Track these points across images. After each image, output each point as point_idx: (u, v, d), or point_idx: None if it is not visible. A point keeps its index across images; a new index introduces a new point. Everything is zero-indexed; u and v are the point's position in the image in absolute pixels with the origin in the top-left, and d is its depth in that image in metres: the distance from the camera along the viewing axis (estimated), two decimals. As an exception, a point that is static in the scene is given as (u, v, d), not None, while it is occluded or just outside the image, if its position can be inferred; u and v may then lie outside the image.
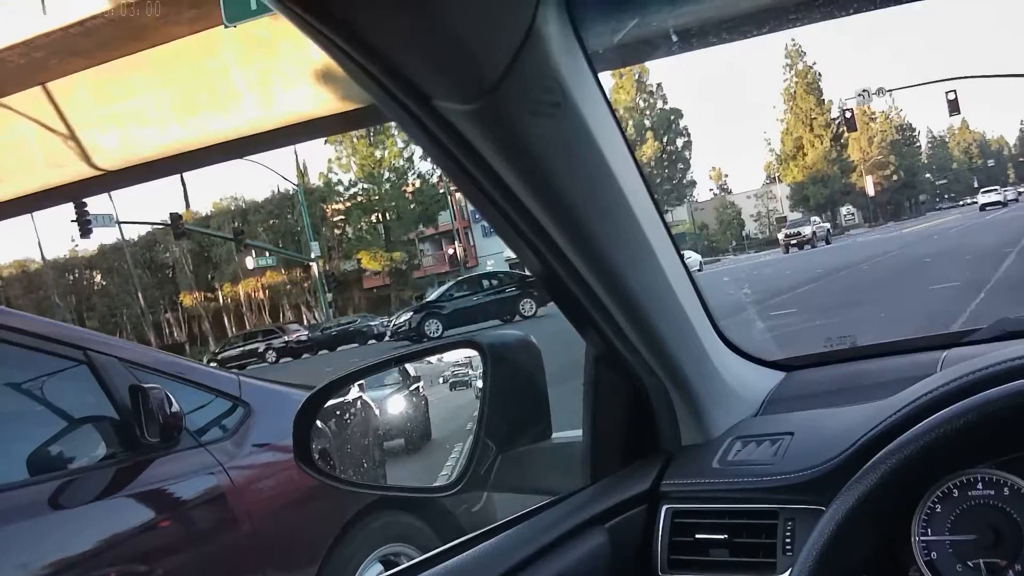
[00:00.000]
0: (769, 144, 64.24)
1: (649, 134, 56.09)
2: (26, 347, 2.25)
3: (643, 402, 1.13)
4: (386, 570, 2.84)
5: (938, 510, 0.89)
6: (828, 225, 43.95)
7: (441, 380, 1.49)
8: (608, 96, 0.89)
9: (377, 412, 1.61)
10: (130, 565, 2.25)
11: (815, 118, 58.62)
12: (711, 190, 67.85)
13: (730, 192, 66.74)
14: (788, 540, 0.97)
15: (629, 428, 1.16)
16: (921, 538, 0.89)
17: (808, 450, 1.01)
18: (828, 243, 38.91)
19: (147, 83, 23.90)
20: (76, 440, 2.27)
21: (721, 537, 1.02)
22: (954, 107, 28.70)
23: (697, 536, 1.04)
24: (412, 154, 48.72)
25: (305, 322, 47.05)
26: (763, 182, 64.69)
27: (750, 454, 1.07)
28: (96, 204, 29.85)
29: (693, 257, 38.30)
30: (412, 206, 49.11)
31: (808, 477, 0.97)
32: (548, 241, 0.90)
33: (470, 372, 1.40)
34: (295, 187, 43.24)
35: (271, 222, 49.89)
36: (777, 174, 62.07)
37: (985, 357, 0.93)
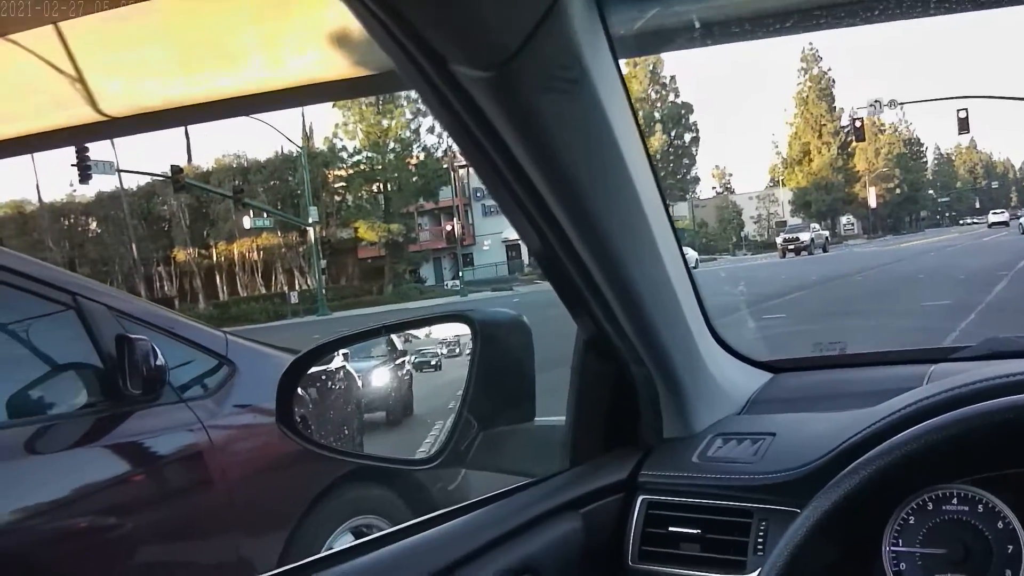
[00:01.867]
0: (776, 147, 64.20)
1: (658, 126, 55.90)
2: (15, 287, 2.23)
3: (628, 391, 1.12)
4: (356, 540, 2.84)
5: (911, 522, 0.90)
6: (827, 233, 44.13)
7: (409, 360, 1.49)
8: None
9: (360, 384, 1.60)
10: (101, 516, 2.24)
11: (824, 125, 58.62)
12: (714, 188, 67.81)
13: (732, 192, 66.69)
14: (760, 540, 0.97)
15: (611, 416, 1.16)
16: (891, 548, 0.90)
17: (788, 452, 1.01)
18: (825, 251, 39.06)
19: (156, 33, 23.72)
20: (58, 385, 2.26)
21: (694, 532, 1.03)
22: (964, 126, 28.69)
23: (671, 529, 1.05)
24: (419, 127, 48.54)
25: (297, 287, 47.00)
26: (766, 184, 64.75)
27: (730, 451, 1.07)
28: (98, 150, 29.69)
29: (690, 254, 37.81)
30: (414, 179, 48.96)
31: (786, 479, 0.98)
32: (551, 219, 0.90)
33: (441, 353, 1.40)
34: (299, 149, 43.01)
35: (272, 183, 49.62)
36: (781, 178, 62.10)
37: (970, 373, 0.93)
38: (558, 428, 1.18)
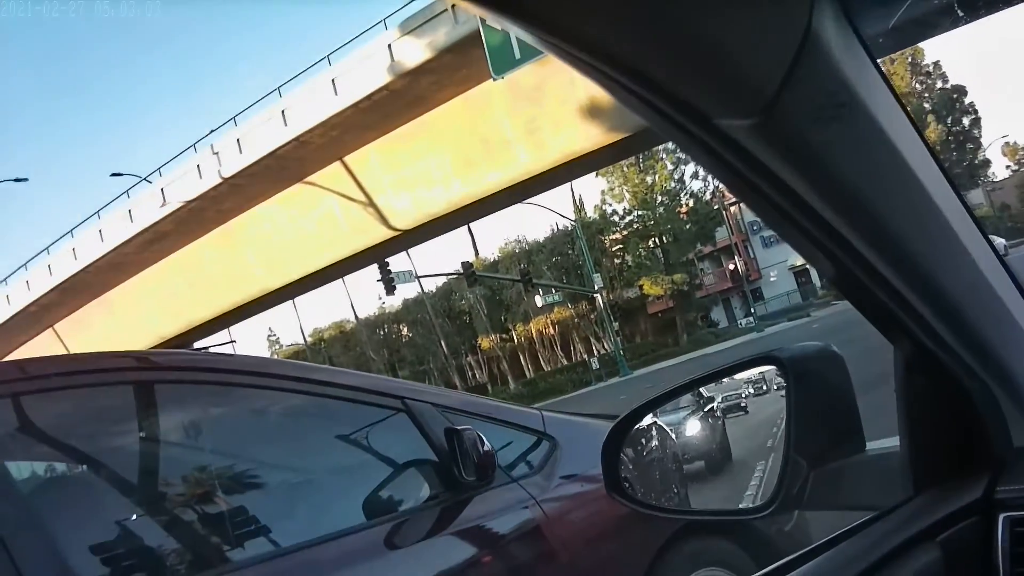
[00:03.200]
0: (1070, 107, 56.90)
1: (931, 118, 51.78)
2: (354, 401, 2.48)
3: (964, 404, 1.03)
4: (704, 594, 2.80)
5: None
6: None
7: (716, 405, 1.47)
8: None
9: (674, 436, 1.60)
10: (462, 599, 2.38)
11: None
12: (1008, 167, 61.16)
13: (1033, 165, 59.83)
14: None
15: (951, 433, 1.06)
16: None
17: None
18: None
19: (429, 145, 25.73)
20: (403, 484, 2.45)
21: None
22: None
23: None
24: (683, 174, 48.44)
25: (596, 353, 47.87)
26: (1069, 150, 57.44)
27: None
28: (396, 262, 32.38)
29: (997, 241, 34.86)
30: (688, 226, 48.68)
31: None
32: (845, 245, 0.85)
33: (749, 392, 1.37)
34: (573, 223, 44.35)
35: (554, 259, 51.43)
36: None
37: None
38: (894, 455, 1.11)
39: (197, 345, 36.24)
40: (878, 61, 0.80)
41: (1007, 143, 59.79)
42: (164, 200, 30.11)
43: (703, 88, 0.68)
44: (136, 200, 32.21)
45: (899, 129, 0.81)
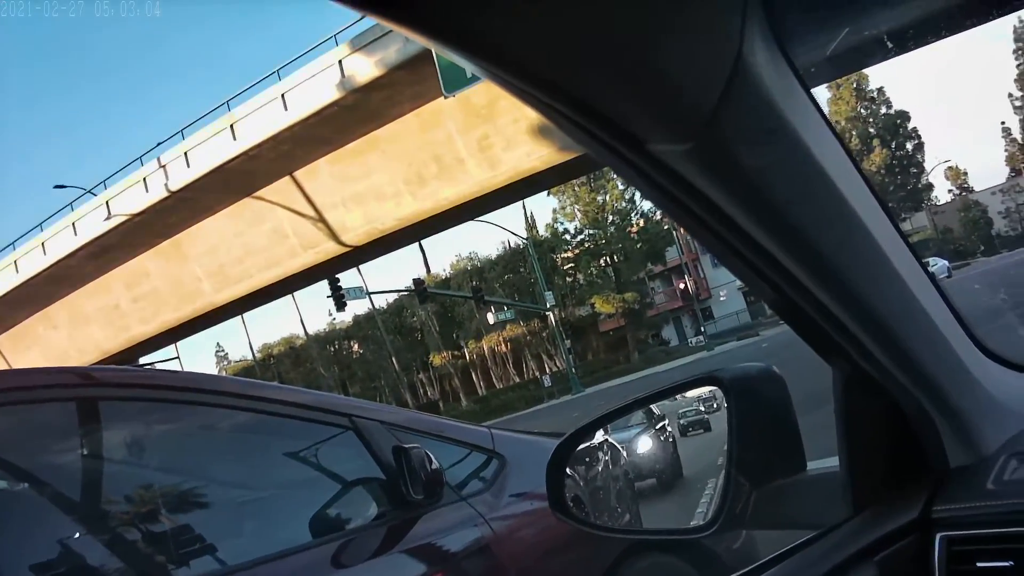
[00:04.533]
0: (1009, 134, 58.74)
1: (876, 142, 53.02)
2: (300, 419, 2.46)
3: (902, 424, 1.05)
4: (653, 614, 2.81)
5: None
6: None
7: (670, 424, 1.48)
8: (826, 111, 0.86)
9: (625, 454, 1.61)
10: (408, 618, 2.36)
11: (1056, 100, 53.11)
12: (950, 191, 62.84)
13: (972, 191, 61.47)
14: None
15: (889, 453, 1.09)
16: None
17: None
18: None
19: (381, 161, 25.64)
20: (351, 502, 2.43)
21: (1006, 564, 0.93)
22: None
23: (979, 564, 0.95)
24: (634, 195, 48.85)
25: (548, 370, 47.96)
26: (1007, 176, 59.12)
27: None
28: (347, 278, 32.11)
29: (939, 264, 35.91)
30: (639, 245, 49.17)
31: None
32: (780, 269, 0.87)
33: (701, 409, 1.38)
34: (525, 240, 44.48)
35: (506, 277, 51.55)
36: (1022, 165, 56.62)
37: None
38: (834, 475, 1.13)
39: (142, 361, 35.60)
40: (821, 87, 0.82)
41: (949, 167, 61.41)
42: (109, 213, 29.54)
43: (636, 114, 0.69)
44: (80, 212, 31.57)
45: (830, 154, 0.83)
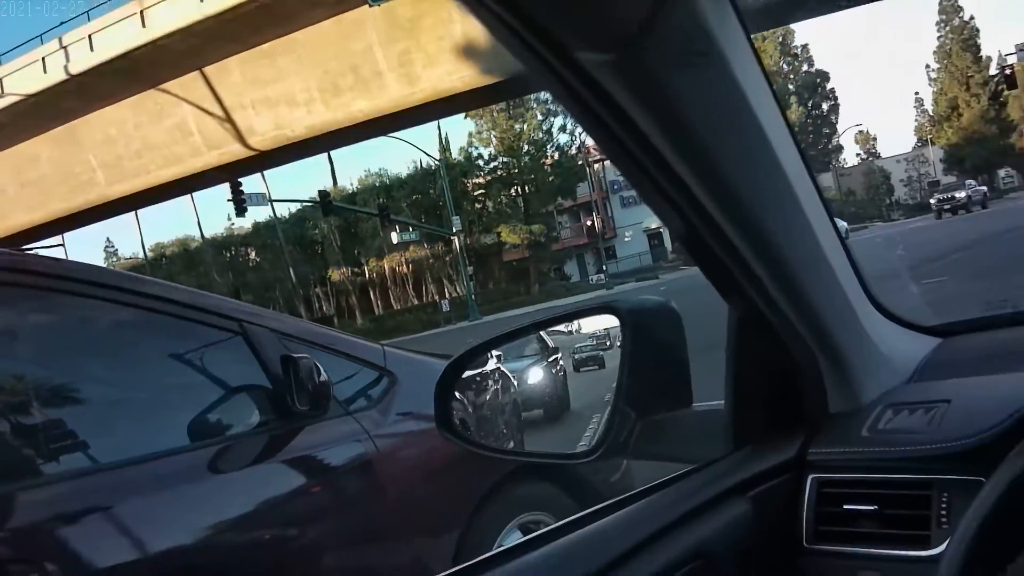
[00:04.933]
0: (921, 105, 60.85)
1: (793, 99, 54.22)
2: (187, 319, 2.37)
3: (788, 367, 1.08)
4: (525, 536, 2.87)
5: None
6: (984, 189, 41.46)
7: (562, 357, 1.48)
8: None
9: (516, 383, 1.61)
10: (283, 528, 2.35)
11: (971, 76, 54.98)
12: (858, 155, 65.04)
13: (879, 157, 63.71)
14: (944, 512, 0.91)
15: (773, 394, 1.11)
16: None
17: (966, 418, 0.94)
18: (985, 207, 36.76)
19: (296, 66, 24.86)
20: (232, 408, 2.38)
21: (871, 508, 0.97)
22: None
23: (845, 507, 1.00)
24: (551, 127, 48.85)
25: (448, 295, 48.11)
26: (914, 145, 61.49)
27: (902, 422, 1.00)
28: (250, 183, 31.24)
29: (840, 224, 37.07)
30: (551, 178, 49.32)
31: (966, 446, 0.91)
32: (692, 200, 0.87)
33: (595, 344, 1.38)
34: (437, 162, 44.06)
35: (414, 197, 51.07)
36: (930, 137, 58.85)
37: None
38: (718, 412, 1.15)
39: (25, 248, 34.14)
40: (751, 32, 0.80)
41: (860, 131, 63.36)
42: (2, 91, 27.92)
43: (565, 17, 0.67)
44: (-31, 87, 29.74)
45: (756, 90, 0.82)
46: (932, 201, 40.29)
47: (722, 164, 0.84)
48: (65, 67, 26.63)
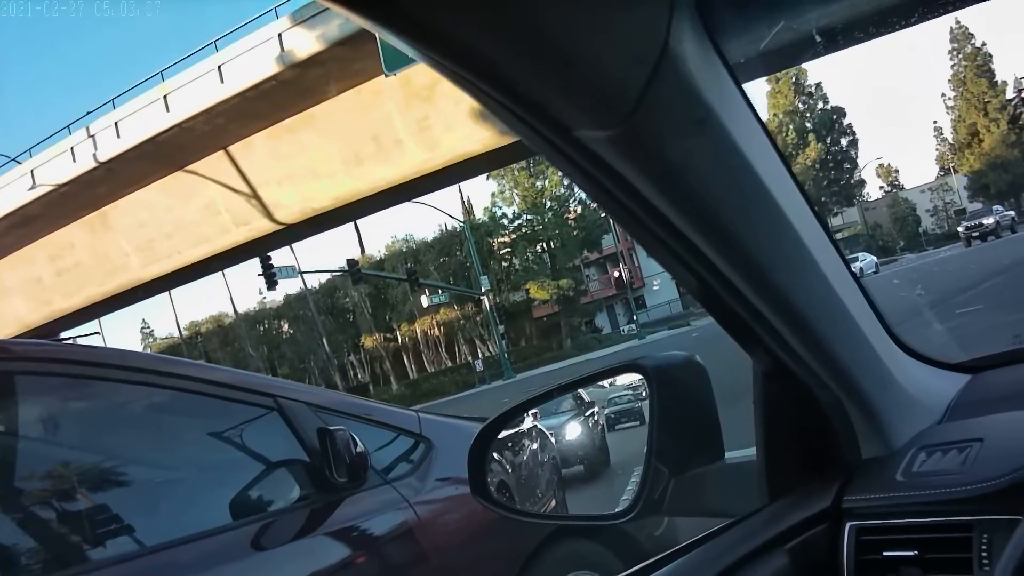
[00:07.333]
0: (941, 134, 60.45)
1: (812, 136, 54.10)
2: (224, 398, 2.41)
3: (817, 416, 1.08)
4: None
5: None
6: (1012, 213, 40.89)
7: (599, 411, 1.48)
8: (756, 106, 0.86)
9: (553, 440, 1.61)
10: (329, 601, 2.34)
11: (989, 101, 54.41)
12: (881, 188, 64.50)
13: (902, 188, 63.22)
14: (984, 553, 0.89)
15: (805, 444, 1.11)
16: None
17: (1001, 456, 0.93)
18: (1014, 232, 36.19)
19: (317, 139, 25.26)
20: (272, 483, 2.39)
21: (911, 553, 0.96)
22: None
23: (885, 553, 0.98)
24: (572, 182, 49.03)
25: (481, 355, 48.01)
26: (937, 174, 60.91)
27: (936, 464, 1.00)
28: (279, 257, 31.63)
29: (868, 259, 36.90)
30: (575, 233, 49.40)
31: (1002, 485, 0.90)
32: (703, 259, 0.88)
33: (631, 396, 1.39)
34: (462, 224, 44.38)
35: (441, 260, 51.39)
36: (952, 165, 58.34)
37: None
38: (751, 464, 1.15)
39: (63, 336, 34.60)
40: (760, 80, 0.82)
41: (881, 165, 62.99)
42: (34, 182, 28.59)
43: (562, 100, 0.69)
44: (3, 181, 30.47)
45: (757, 149, 0.83)
46: (960, 229, 39.81)
47: (728, 225, 0.85)
48: (94, 155, 27.25)
